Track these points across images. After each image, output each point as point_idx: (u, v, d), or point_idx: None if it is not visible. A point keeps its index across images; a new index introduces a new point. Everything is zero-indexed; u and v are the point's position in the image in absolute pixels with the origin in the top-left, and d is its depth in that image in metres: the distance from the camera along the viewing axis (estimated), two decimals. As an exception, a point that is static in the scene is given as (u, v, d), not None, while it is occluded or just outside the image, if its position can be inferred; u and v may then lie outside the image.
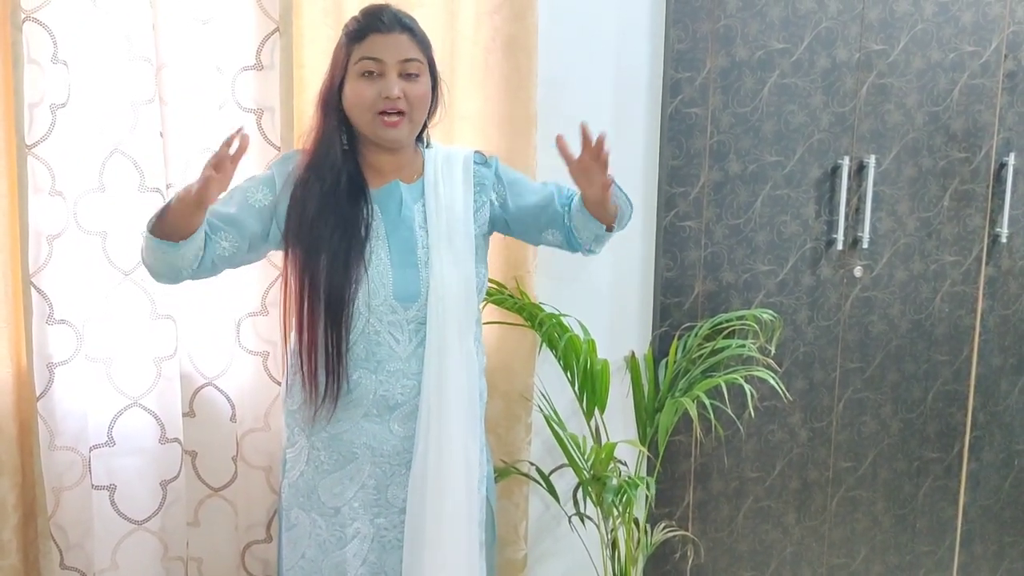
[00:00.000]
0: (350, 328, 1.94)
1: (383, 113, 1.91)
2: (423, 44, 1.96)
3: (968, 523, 3.32)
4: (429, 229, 1.99)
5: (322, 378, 1.94)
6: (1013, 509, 3.35)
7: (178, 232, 1.79)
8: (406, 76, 1.92)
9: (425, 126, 2.04)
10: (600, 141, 1.82)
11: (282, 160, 2.05)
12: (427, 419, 1.98)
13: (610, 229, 2.00)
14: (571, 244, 2.07)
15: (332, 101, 1.96)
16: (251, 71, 2.33)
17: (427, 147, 2.07)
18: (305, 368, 1.95)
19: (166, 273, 1.88)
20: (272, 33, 2.31)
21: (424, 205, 2.01)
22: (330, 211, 1.92)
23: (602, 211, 1.95)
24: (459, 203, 2.03)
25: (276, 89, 2.32)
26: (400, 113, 1.92)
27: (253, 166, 2.35)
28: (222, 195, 1.86)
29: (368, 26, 1.92)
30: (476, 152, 2.12)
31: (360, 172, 1.99)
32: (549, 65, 2.56)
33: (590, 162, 1.84)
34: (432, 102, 2.00)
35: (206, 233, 1.87)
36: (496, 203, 2.09)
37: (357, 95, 1.92)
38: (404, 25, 1.93)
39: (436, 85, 2.00)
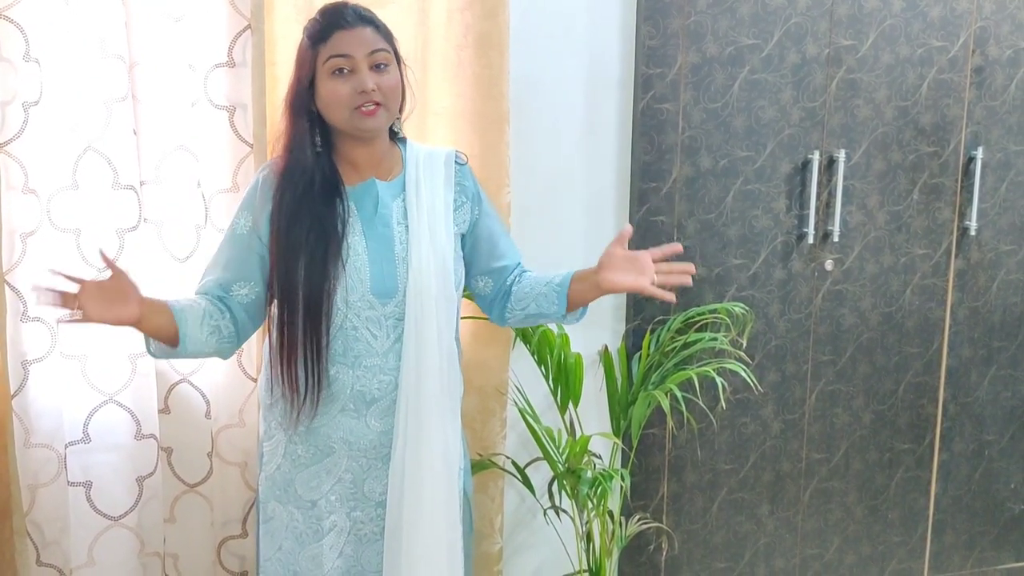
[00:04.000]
0: (329, 324, 1.94)
1: (360, 107, 1.91)
2: (387, 35, 1.96)
3: (939, 513, 3.35)
4: (409, 225, 1.99)
5: (301, 375, 1.94)
6: (984, 499, 3.39)
7: (167, 337, 1.89)
8: (376, 68, 1.92)
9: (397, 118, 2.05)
10: (678, 269, 1.97)
11: (262, 169, 2.04)
12: (405, 414, 1.98)
13: (563, 316, 2.09)
14: (495, 304, 2.15)
15: (302, 103, 1.94)
16: (223, 68, 2.33)
17: (401, 140, 2.08)
18: (284, 365, 1.94)
19: (214, 356, 2.00)
20: (244, 30, 2.32)
21: (404, 201, 2.01)
22: (305, 213, 1.92)
23: (586, 297, 2.04)
24: (440, 201, 2.03)
25: (248, 86, 2.33)
26: (376, 104, 1.92)
27: (226, 162, 2.36)
28: (222, 242, 1.99)
29: (331, 24, 1.92)
30: (457, 152, 2.13)
31: (335, 170, 1.99)
32: (521, 62, 2.58)
33: (644, 266, 1.94)
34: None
35: (220, 298, 1.97)
36: (472, 213, 2.11)
37: (332, 94, 1.91)
38: (366, 19, 1.94)
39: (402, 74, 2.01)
